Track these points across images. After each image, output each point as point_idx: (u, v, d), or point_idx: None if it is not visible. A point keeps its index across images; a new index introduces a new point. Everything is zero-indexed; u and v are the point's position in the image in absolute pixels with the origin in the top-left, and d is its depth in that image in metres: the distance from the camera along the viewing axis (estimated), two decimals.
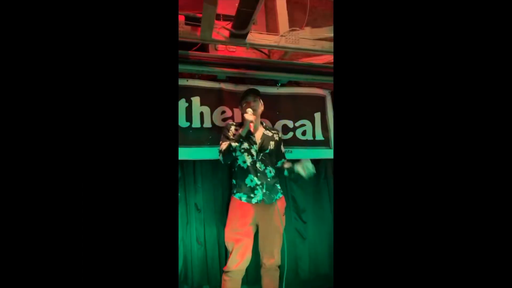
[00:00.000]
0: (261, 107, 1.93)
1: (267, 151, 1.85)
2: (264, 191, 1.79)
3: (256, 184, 1.78)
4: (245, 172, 1.81)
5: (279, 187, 1.89)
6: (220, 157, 1.82)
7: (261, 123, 1.97)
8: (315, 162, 2.37)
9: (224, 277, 1.76)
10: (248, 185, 1.80)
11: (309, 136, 2.35)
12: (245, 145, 1.80)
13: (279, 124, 2.30)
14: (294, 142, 2.30)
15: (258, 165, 1.81)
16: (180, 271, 2.01)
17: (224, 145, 1.79)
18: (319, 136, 2.38)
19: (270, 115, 2.26)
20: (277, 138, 1.94)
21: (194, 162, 2.11)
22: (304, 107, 2.38)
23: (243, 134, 1.75)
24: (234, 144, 1.73)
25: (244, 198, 1.79)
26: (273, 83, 2.36)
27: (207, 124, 2.13)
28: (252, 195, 1.78)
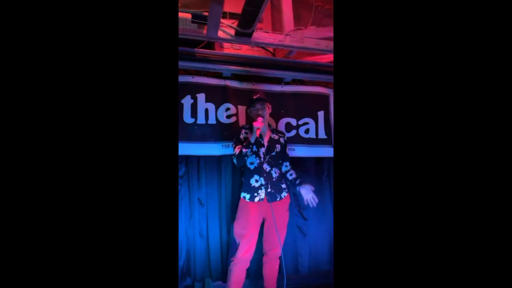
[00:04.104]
0: (268, 111, 2.01)
1: (273, 153, 1.95)
2: (268, 190, 1.90)
3: (261, 184, 1.90)
4: (251, 172, 1.93)
5: (284, 186, 1.98)
6: (234, 160, 1.93)
7: (269, 125, 2.04)
8: (317, 160, 2.42)
9: (231, 266, 1.88)
10: (252, 185, 1.91)
11: (312, 134, 2.38)
12: (254, 148, 1.92)
13: (283, 122, 2.33)
14: (297, 140, 2.33)
15: (264, 166, 1.91)
16: (183, 264, 2.06)
17: (237, 150, 1.90)
18: (322, 135, 2.40)
19: (274, 113, 2.28)
20: (282, 141, 2.03)
21: (198, 157, 2.15)
22: (307, 106, 2.40)
23: (252, 141, 1.86)
24: (245, 150, 1.87)
25: (247, 198, 1.91)
26: (278, 81, 2.38)
27: (212, 120, 2.17)
28: (255, 194, 1.89)
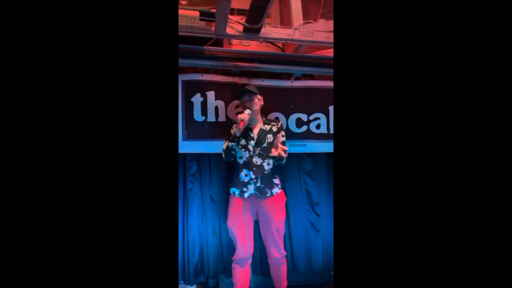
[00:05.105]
0: (258, 103, 1.95)
1: (265, 144, 1.90)
2: (258, 185, 1.85)
3: (251, 178, 1.85)
4: (240, 167, 1.89)
5: (276, 182, 1.93)
6: (223, 156, 1.90)
7: (262, 117, 2.00)
8: (329, 155, 2.39)
9: (233, 265, 1.90)
10: (241, 180, 1.87)
11: (323, 130, 2.35)
12: (243, 141, 1.88)
13: (293, 117, 2.30)
14: (308, 136, 2.30)
15: (254, 159, 1.87)
16: (197, 261, 2.08)
17: (225, 145, 1.88)
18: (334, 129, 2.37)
19: (284, 109, 2.27)
20: (275, 130, 1.96)
21: (209, 155, 2.16)
22: (318, 101, 2.37)
23: (238, 134, 1.82)
24: (231, 143, 1.83)
25: (237, 193, 1.88)
26: (287, 76, 2.36)
27: (222, 118, 2.16)
28: (244, 190, 1.85)
